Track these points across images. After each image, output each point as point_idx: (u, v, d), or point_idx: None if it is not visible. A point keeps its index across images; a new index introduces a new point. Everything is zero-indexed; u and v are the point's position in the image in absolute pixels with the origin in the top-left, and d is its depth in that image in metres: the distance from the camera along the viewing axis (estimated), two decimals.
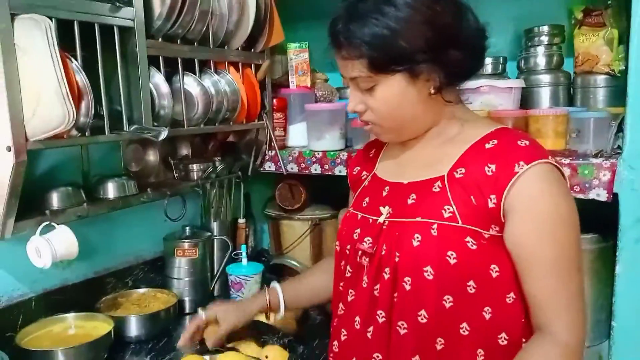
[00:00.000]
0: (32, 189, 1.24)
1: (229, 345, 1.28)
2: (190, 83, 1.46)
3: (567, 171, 1.33)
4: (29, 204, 1.22)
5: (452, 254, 0.91)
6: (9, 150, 1.07)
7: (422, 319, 0.94)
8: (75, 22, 1.15)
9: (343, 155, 1.68)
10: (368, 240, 1.00)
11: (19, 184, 1.11)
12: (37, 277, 1.41)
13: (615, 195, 1.27)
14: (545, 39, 1.65)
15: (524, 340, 0.96)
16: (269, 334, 1.34)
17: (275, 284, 1.30)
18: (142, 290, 1.61)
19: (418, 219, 0.95)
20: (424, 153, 1.02)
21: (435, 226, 0.92)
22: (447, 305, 0.93)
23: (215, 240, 1.78)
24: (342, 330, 1.06)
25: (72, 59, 1.15)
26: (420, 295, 0.93)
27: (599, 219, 1.46)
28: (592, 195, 1.31)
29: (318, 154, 1.75)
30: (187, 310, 1.65)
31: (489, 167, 0.92)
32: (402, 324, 0.96)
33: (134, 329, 1.43)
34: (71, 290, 1.50)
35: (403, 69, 0.91)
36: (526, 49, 1.70)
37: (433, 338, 0.94)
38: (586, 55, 1.60)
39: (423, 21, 0.89)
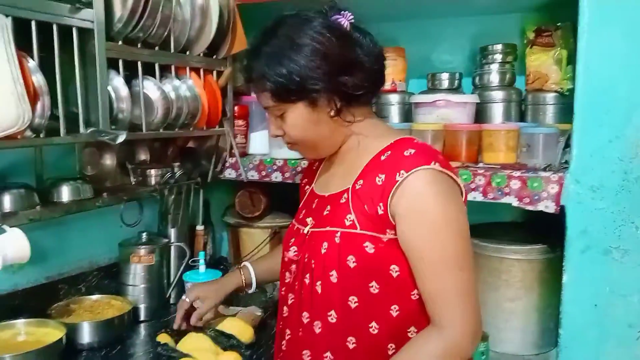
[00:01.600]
0: None
1: (185, 352, 1.28)
2: (150, 87, 1.45)
3: (517, 184, 1.39)
4: None
5: (351, 258, 1.01)
6: None
7: (332, 319, 1.04)
8: (33, 22, 1.13)
9: (304, 163, 1.70)
10: (294, 249, 1.13)
11: None
12: None
13: (562, 208, 1.33)
14: (499, 57, 1.72)
15: None
16: (224, 340, 1.34)
17: (247, 263, 1.42)
18: (95, 297, 1.57)
19: (327, 228, 1.06)
20: (342, 167, 1.13)
21: (338, 234, 1.03)
22: (353, 305, 1.03)
23: (172, 246, 1.75)
24: (287, 330, 1.16)
25: (29, 59, 1.13)
26: (328, 297, 1.04)
27: (548, 229, 1.52)
28: (540, 207, 1.37)
29: (279, 162, 1.76)
30: (142, 318, 1.61)
31: (380, 177, 1.01)
32: (317, 324, 1.06)
33: (86, 335, 1.39)
34: (21, 296, 1.46)
35: (301, 99, 1.03)
36: (481, 66, 1.76)
37: (344, 337, 1.04)
38: (537, 74, 1.68)
39: (314, 55, 1.00)
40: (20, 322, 1.36)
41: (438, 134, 1.57)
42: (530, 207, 1.38)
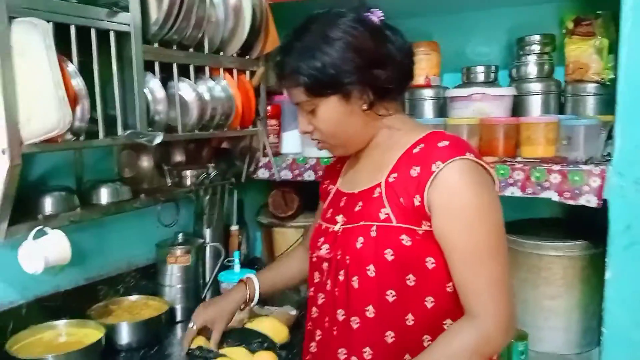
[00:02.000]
0: (26, 193, 1.22)
1: (221, 351, 1.28)
2: (185, 89, 1.46)
3: (557, 178, 1.35)
4: (22, 208, 1.21)
5: (389, 252, 1.01)
6: (4, 153, 1.06)
7: (369, 313, 1.04)
8: (72, 26, 1.14)
9: (328, 160, 1.69)
10: (325, 247, 1.12)
11: (13, 187, 1.10)
12: (28, 283, 1.39)
13: (605, 202, 1.29)
14: (536, 47, 1.68)
15: None
16: (259, 341, 1.34)
17: (251, 276, 1.39)
18: (133, 298, 1.60)
19: (361, 223, 1.06)
20: (370, 162, 1.13)
21: (374, 228, 1.03)
22: (391, 299, 1.03)
23: (207, 247, 1.77)
24: (317, 331, 1.15)
25: (69, 63, 1.14)
26: (366, 292, 1.04)
27: (589, 226, 1.48)
28: (582, 201, 1.33)
29: (312, 160, 1.76)
30: (178, 318, 1.63)
31: (415, 170, 1.01)
32: (355, 319, 1.06)
33: (125, 336, 1.41)
34: (62, 297, 1.48)
35: (335, 92, 1.03)
36: (518, 58, 1.73)
37: (382, 331, 1.04)
38: (577, 64, 1.64)
39: (347, 49, 1.01)
40: (61, 323, 1.39)
41: (474, 128, 1.54)
42: (571, 202, 1.35)
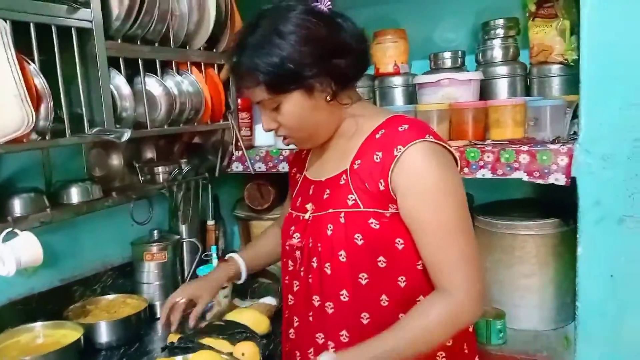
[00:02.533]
0: None
1: (203, 342, 1.28)
2: (152, 84, 1.45)
3: (526, 158, 1.37)
4: None
5: (358, 236, 1.03)
6: None
7: (344, 297, 1.06)
8: (31, 24, 1.12)
9: (289, 152, 1.70)
10: (297, 235, 1.14)
11: None
12: (1, 287, 1.37)
13: (574, 180, 1.32)
14: (501, 31, 1.71)
15: None
16: (240, 331, 1.34)
17: (233, 255, 1.39)
18: (111, 297, 1.58)
19: (330, 210, 1.07)
20: (335, 150, 1.13)
21: (342, 214, 1.05)
22: (364, 282, 1.05)
23: (184, 243, 1.76)
24: (294, 317, 1.17)
25: (30, 62, 1.12)
26: (339, 277, 1.06)
27: (560, 204, 1.51)
28: (551, 180, 1.36)
29: (285, 152, 1.76)
30: (158, 315, 1.62)
31: (377, 155, 1.03)
32: (329, 305, 1.08)
33: (104, 335, 1.40)
34: (37, 299, 1.47)
35: (298, 87, 1.02)
36: (483, 42, 1.75)
37: (357, 314, 1.06)
38: (541, 46, 1.66)
39: (303, 41, 0.99)
40: (38, 325, 1.37)
41: (443, 113, 1.56)
42: (540, 181, 1.37)
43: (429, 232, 1.00)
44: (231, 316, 1.43)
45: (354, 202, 1.04)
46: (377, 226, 1.02)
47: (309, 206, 1.13)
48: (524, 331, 1.55)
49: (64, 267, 1.56)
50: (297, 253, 1.14)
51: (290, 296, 1.18)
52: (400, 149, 0.99)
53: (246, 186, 2.00)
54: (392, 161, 1.00)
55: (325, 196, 1.11)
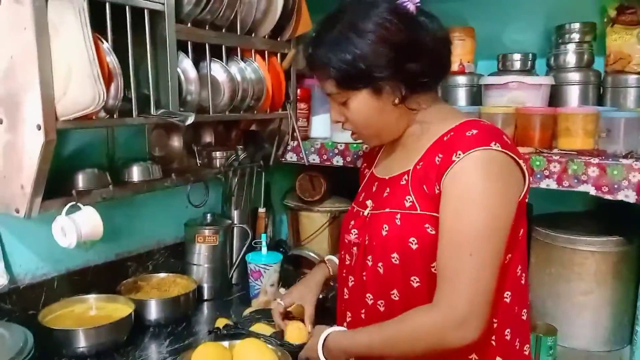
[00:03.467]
0: (59, 170, 1.24)
1: (251, 329, 1.29)
2: (217, 69, 1.46)
3: (595, 171, 1.31)
4: (56, 184, 1.23)
5: (413, 240, 1.00)
6: (39, 129, 1.08)
7: (394, 296, 1.05)
8: (107, 4, 1.15)
9: (365, 147, 1.67)
10: (354, 231, 1.13)
11: (47, 163, 1.12)
12: (60, 257, 1.43)
13: None
14: (576, 36, 1.62)
15: (495, 320, 1.02)
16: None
17: (331, 257, 1.40)
18: (162, 275, 1.62)
19: (387, 210, 1.05)
20: (404, 149, 1.11)
21: (398, 216, 1.02)
22: (415, 285, 1.02)
23: (235, 228, 1.78)
24: (347, 313, 1.17)
25: (103, 41, 1.15)
26: (391, 278, 1.04)
27: (623, 220, 1.44)
28: (620, 196, 1.29)
29: (340, 145, 1.75)
30: (205, 297, 1.66)
31: (438, 157, 0.99)
32: (381, 302, 1.08)
33: (154, 312, 1.44)
34: (93, 272, 1.52)
35: (366, 86, 1.01)
36: (556, 46, 1.67)
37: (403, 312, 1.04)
38: (618, 54, 1.57)
39: (379, 42, 0.97)
40: (92, 297, 1.43)
41: (509, 117, 1.51)
42: (609, 197, 1.30)
43: (443, 238, 0.95)
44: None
45: (411, 203, 1.01)
46: (433, 232, 0.98)
47: (369, 203, 1.13)
48: (576, 350, 1.49)
49: (120, 243, 1.61)
50: (354, 249, 1.13)
51: (345, 290, 1.17)
52: (459, 154, 0.94)
53: (298, 177, 2.00)
54: (448, 166, 0.95)
55: (385, 194, 1.09)
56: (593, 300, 1.47)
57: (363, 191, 1.20)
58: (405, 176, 1.05)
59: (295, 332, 1.26)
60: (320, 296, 1.38)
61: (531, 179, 1.38)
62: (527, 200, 1.03)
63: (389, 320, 1.02)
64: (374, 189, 1.15)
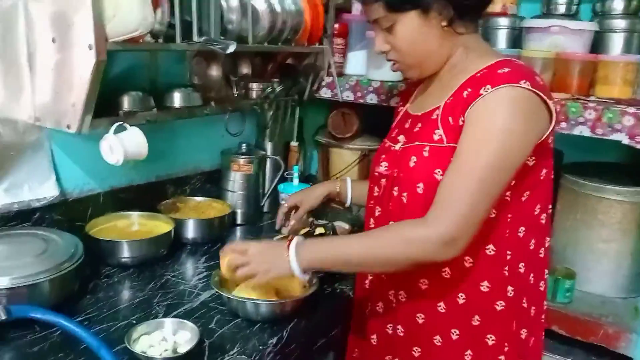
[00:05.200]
0: (106, 91, 1.29)
1: None
2: None
3: (630, 120, 1.31)
4: (104, 103, 1.28)
5: (438, 171, 1.02)
6: (90, 49, 1.12)
7: None
8: None
9: (401, 86, 1.68)
10: (384, 164, 1.16)
11: (98, 82, 1.17)
12: (106, 175, 1.51)
13: None
14: None
15: (508, 252, 1.05)
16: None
17: (347, 178, 1.47)
18: (199, 199, 1.70)
19: (416, 142, 1.08)
20: (438, 86, 1.12)
21: (426, 148, 1.05)
22: None
23: (268, 159, 1.84)
24: None
25: None
26: (413, 207, 1.06)
27: None
28: None
29: (375, 83, 1.76)
30: (239, 221, 1.73)
31: (467, 91, 1.01)
32: None
33: (191, 231, 1.52)
34: (135, 190, 1.60)
35: (415, 6, 1.02)
36: None
37: None
38: None
39: None
40: (134, 214, 1.51)
41: (548, 62, 1.49)
42: None
43: (455, 162, 0.98)
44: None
45: (439, 137, 1.04)
46: None
47: (401, 138, 1.15)
48: (593, 295, 1.53)
49: (161, 165, 1.68)
50: (383, 181, 1.17)
51: (371, 219, 1.21)
52: (488, 88, 0.96)
53: (331, 113, 2.02)
54: (475, 98, 0.97)
55: (416, 129, 1.12)
56: (614, 248, 1.51)
57: (396, 127, 1.23)
58: (437, 111, 1.07)
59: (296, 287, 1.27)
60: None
61: (565, 124, 1.39)
62: (552, 142, 1.04)
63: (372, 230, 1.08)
64: (406, 125, 1.17)
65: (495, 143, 0.95)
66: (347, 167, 2.04)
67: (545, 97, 0.97)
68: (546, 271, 1.15)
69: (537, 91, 0.96)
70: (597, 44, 1.61)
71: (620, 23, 1.59)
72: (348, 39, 1.86)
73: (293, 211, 1.47)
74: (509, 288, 1.06)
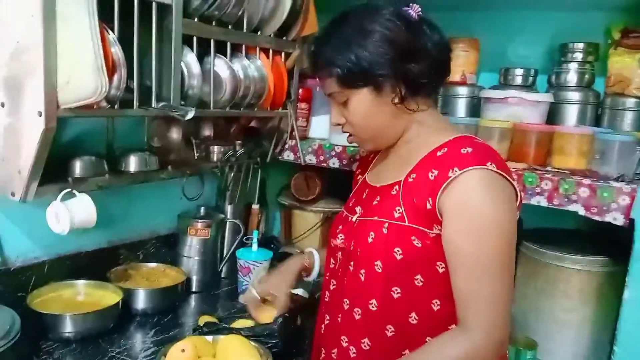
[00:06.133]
0: (57, 156, 1.25)
1: (233, 325, 1.30)
2: (220, 65, 1.47)
3: (586, 192, 1.32)
4: (53, 170, 1.23)
5: (398, 250, 1.02)
6: (40, 116, 1.08)
7: (372, 307, 1.06)
8: None
9: (363, 152, 1.68)
10: (341, 236, 1.15)
11: (46, 149, 1.13)
12: (52, 242, 1.44)
13: (632, 221, 1.26)
14: (579, 55, 1.64)
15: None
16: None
17: (312, 250, 1.41)
18: (152, 265, 1.64)
19: (375, 218, 1.07)
20: (397, 159, 1.13)
21: (386, 225, 1.04)
22: (395, 295, 1.04)
23: (227, 222, 1.79)
24: (326, 315, 1.19)
25: (109, 31, 1.15)
26: (371, 286, 1.05)
27: (611, 241, 1.46)
28: (608, 218, 1.31)
29: (338, 148, 1.76)
30: (194, 289, 1.67)
31: (432, 173, 1.01)
32: (357, 311, 1.09)
33: (141, 302, 1.45)
34: (84, 258, 1.53)
35: (367, 84, 1.04)
36: (559, 64, 1.68)
37: (383, 325, 1.06)
38: (618, 77, 1.59)
39: (382, 41, 1.01)
40: (80, 283, 1.44)
41: (506, 132, 1.52)
42: (597, 218, 1.32)
43: (465, 263, 0.97)
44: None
45: (400, 214, 1.03)
46: (419, 244, 1.01)
47: (358, 209, 1.14)
48: None
49: (113, 230, 1.62)
50: (339, 254, 1.15)
51: (327, 293, 1.19)
52: (455, 171, 0.97)
53: (294, 176, 2.01)
54: (444, 181, 0.98)
55: (374, 202, 1.11)
56: (575, 318, 1.50)
57: (354, 197, 1.22)
58: (397, 186, 1.07)
59: (267, 317, 1.29)
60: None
61: (523, 194, 1.40)
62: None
63: (414, 352, 1.02)
64: (364, 195, 1.17)
65: (499, 234, 0.97)
66: (309, 230, 2.02)
67: (509, 178, 1.00)
68: None
69: (502, 173, 0.98)
70: (553, 114, 1.66)
71: (575, 95, 1.65)
72: (312, 103, 1.87)
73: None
74: None
